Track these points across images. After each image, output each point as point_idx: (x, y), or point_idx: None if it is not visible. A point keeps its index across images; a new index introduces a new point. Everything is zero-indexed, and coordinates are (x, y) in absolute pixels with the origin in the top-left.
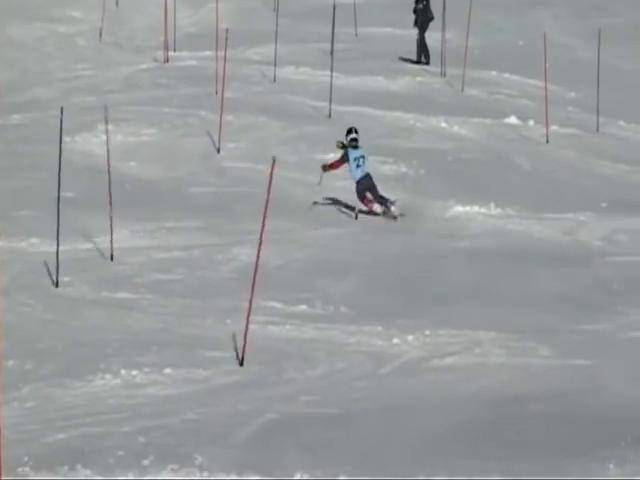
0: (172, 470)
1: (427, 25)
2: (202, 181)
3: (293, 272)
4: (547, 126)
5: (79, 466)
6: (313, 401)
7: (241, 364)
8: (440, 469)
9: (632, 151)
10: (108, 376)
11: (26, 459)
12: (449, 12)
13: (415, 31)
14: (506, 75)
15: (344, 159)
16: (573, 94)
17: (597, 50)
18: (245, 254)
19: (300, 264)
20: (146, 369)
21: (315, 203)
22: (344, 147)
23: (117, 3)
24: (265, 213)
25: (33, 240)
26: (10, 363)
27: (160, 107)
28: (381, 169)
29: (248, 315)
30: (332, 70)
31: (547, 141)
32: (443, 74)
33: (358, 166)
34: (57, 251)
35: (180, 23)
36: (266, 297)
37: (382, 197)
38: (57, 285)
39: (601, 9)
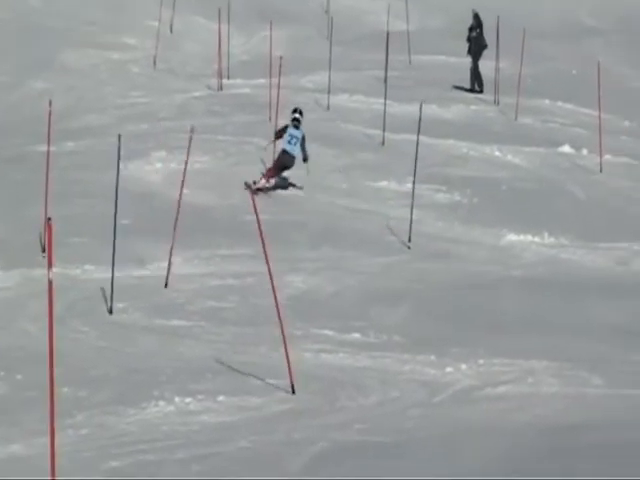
0: None
1: (480, 53)
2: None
3: (346, 300)
4: (601, 155)
5: None
6: (366, 429)
7: (294, 392)
8: None
9: None
10: (162, 403)
11: None
12: (502, 41)
13: (469, 59)
14: (559, 104)
15: (283, 131)
16: (627, 123)
17: None
18: (298, 282)
19: (352, 292)
20: (200, 396)
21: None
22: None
23: (171, 30)
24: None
25: (87, 267)
26: (64, 390)
27: (214, 135)
28: (435, 197)
29: (285, 341)
30: (385, 98)
31: (601, 170)
32: (497, 102)
33: (289, 142)
34: (112, 278)
35: (234, 51)
36: (319, 325)
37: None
38: (111, 312)
39: None
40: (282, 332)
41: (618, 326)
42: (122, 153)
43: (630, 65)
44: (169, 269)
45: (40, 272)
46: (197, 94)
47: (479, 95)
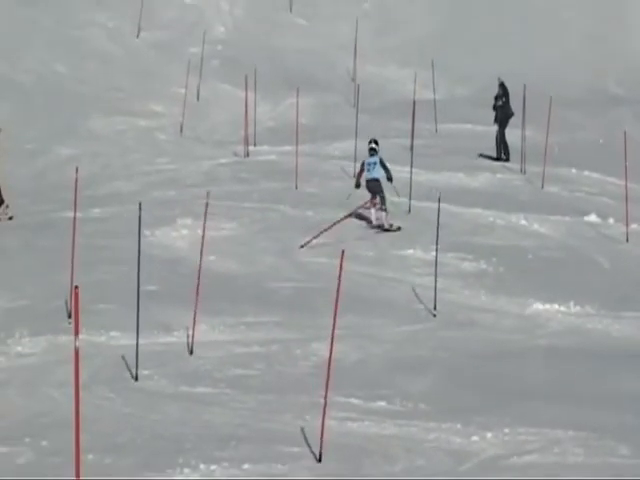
0: None
1: (507, 122)
2: (281, 276)
3: (371, 368)
4: (627, 224)
5: None
6: None
7: (319, 460)
8: None
9: None
10: (187, 470)
11: None
12: (529, 109)
13: (495, 127)
14: (586, 173)
15: (362, 168)
16: None
17: None
18: (324, 349)
19: (378, 360)
20: (225, 464)
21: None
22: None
23: (198, 97)
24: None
25: (113, 333)
26: (90, 457)
27: (240, 202)
28: (461, 266)
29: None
30: (412, 166)
31: (627, 240)
32: (523, 171)
33: (368, 170)
34: (137, 345)
35: (260, 118)
36: (345, 393)
37: (382, 199)
38: (137, 379)
39: None
40: (325, 400)
41: None
42: (149, 220)
43: None
44: (193, 336)
45: (66, 339)
46: (224, 161)
47: (505, 163)
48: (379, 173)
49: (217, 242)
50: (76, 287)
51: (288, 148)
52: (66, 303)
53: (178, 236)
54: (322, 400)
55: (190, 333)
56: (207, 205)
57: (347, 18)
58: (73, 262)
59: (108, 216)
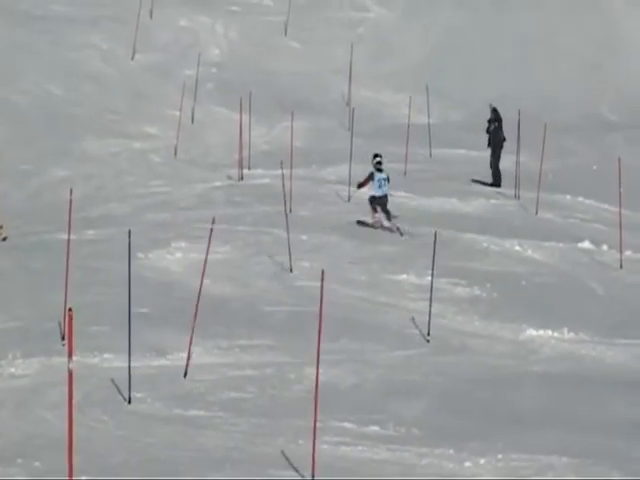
0: None
1: (499, 147)
2: (275, 300)
3: (365, 392)
4: (621, 251)
5: None
6: None
7: None
8: None
9: None
10: None
11: None
12: (523, 134)
13: (489, 152)
14: (580, 199)
15: (370, 178)
16: None
17: None
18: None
19: (372, 384)
20: None
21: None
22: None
23: (193, 120)
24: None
25: (106, 355)
26: (83, 478)
27: (234, 225)
28: (454, 291)
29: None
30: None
31: (621, 266)
32: (517, 197)
33: (380, 187)
34: (129, 367)
35: (254, 141)
36: (338, 417)
37: (388, 213)
38: (130, 401)
39: None
40: (314, 424)
41: (638, 422)
42: (142, 242)
43: None
44: (188, 359)
45: (59, 360)
46: (218, 184)
47: (499, 189)
48: (388, 189)
49: (211, 265)
50: (69, 309)
51: (282, 172)
52: (59, 324)
53: (172, 259)
54: (315, 424)
55: (183, 356)
56: (211, 230)
57: (342, 42)
58: (67, 284)
59: (102, 238)
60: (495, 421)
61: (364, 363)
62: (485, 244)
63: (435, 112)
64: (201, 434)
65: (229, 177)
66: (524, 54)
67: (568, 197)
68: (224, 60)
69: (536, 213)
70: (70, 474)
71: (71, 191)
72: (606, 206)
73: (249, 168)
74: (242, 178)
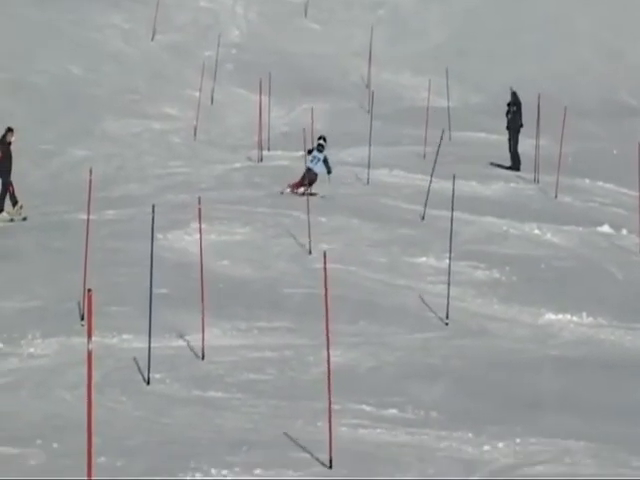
0: None
1: (517, 131)
2: (294, 282)
3: (383, 375)
4: None
5: None
6: None
7: (331, 466)
8: None
9: None
10: (198, 475)
11: None
12: (543, 118)
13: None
14: (600, 183)
15: (309, 153)
16: None
17: None
18: (336, 356)
19: (390, 367)
20: (236, 469)
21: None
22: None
23: (212, 101)
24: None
25: (125, 336)
26: (101, 460)
27: (253, 206)
28: (474, 274)
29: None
30: (432, 175)
31: None
32: (537, 180)
33: (311, 161)
34: (149, 348)
35: (274, 123)
36: (356, 400)
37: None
38: (148, 382)
39: None
40: (329, 406)
41: None
42: (162, 223)
43: None
44: (203, 340)
45: (78, 340)
46: (237, 165)
47: (519, 173)
48: (320, 168)
49: (230, 247)
50: (89, 290)
51: (302, 153)
52: (79, 305)
53: (191, 240)
54: (334, 406)
55: (202, 337)
56: (200, 212)
57: (362, 24)
58: (86, 264)
59: (122, 218)
60: (513, 405)
61: (383, 346)
62: (504, 227)
63: (455, 95)
64: (219, 415)
65: (249, 158)
66: (544, 37)
67: (587, 181)
68: (244, 41)
69: (555, 197)
70: (89, 455)
71: (91, 171)
72: (625, 190)
73: (268, 149)
74: (262, 159)
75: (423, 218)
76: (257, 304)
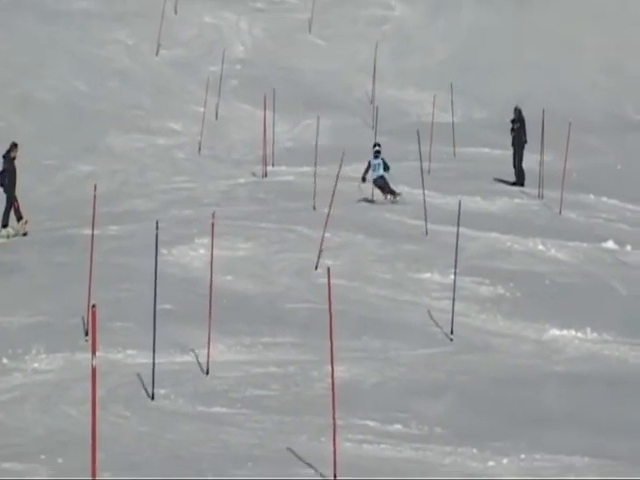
0: None
1: (521, 148)
2: (298, 297)
3: (388, 391)
4: None
5: None
6: None
7: None
8: None
9: None
10: None
11: None
12: (547, 134)
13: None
14: (604, 199)
15: (367, 171)
16: None
17: None
18: (340, 371)
19: (395, 383)
20: None
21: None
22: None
23: (217, 116)
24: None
25: (130, 352)
26: (106, 475)
27: (258, 222)
28: (478, 290)
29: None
30: (423, 189)
31: None
32: (541, 196)
33: (374, 170)
34: (153, 364)
35: (278, 138)
36: (361, 415)
37: (392, 191)
38: (153, 398)
39: None
40: (333, 421)
41: None
42: (166, 238)
43: None
44: (208, 356)
45: (83, 356)
46: (242, 180)
47: (523, 188)
48: (382, 171)
49: (234, 262)
50: (93, 305)
51: (306, 169)
52: (83, 320)
53: (196, 255)
54: (339, 422)
55: (207, 353)
56: (213, 226)
57: (366, 40)
58: (90, 279)
59: (126, 234)
60: (518, 421)
61: (387, 361)
62: (509, 243)
63: (459, 110)
64: (224, 431)
65: (253, 174)
66: (548, 53)
67: (592, 197)
68: (248, 57)
69: (560, 212)
70: (93, 471)
71: (95, 186)
72: (630, 206)
73: (273, 165)
74: (266, 175)
75: (427, 233)
76: (261, 319)
